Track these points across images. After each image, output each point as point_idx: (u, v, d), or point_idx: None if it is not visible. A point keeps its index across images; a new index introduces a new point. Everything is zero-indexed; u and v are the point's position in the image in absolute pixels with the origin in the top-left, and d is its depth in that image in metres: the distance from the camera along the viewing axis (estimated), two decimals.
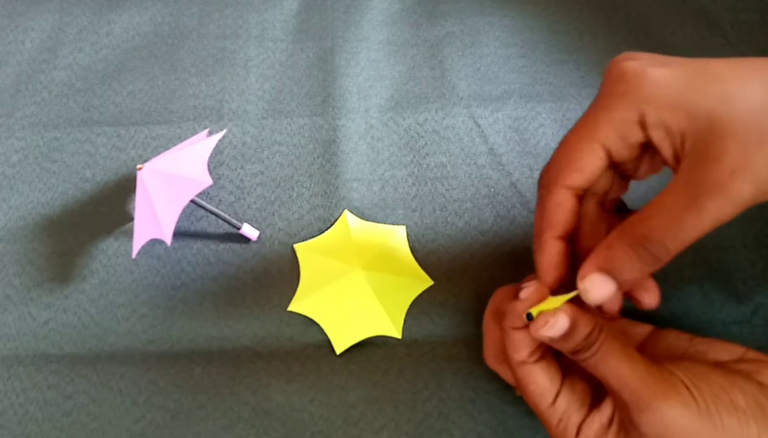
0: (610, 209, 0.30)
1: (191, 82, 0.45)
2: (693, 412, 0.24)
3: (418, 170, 0.41)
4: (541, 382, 0.28)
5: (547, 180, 0.28)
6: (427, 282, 0.37)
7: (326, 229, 0.39)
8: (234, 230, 0.38)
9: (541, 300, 0.27)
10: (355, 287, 0.36)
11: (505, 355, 0.29)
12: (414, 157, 0.41)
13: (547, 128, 0.42)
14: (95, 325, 0.36)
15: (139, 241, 0.36)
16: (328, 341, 0.35)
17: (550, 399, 0.27)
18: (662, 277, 0.28)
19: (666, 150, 0.25)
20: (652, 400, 0.24)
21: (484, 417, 0.34)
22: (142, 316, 0.37)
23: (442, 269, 0.37)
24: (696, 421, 0.24)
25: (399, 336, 0.35)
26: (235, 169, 0.41)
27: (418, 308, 0.36)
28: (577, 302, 0.27)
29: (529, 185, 0.40)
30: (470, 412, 0.34)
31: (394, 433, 0.33)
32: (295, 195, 0.40)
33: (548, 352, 0.28)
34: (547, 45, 0.45)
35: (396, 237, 0.38)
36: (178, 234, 0.39)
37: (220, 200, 0.40)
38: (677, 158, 0.25)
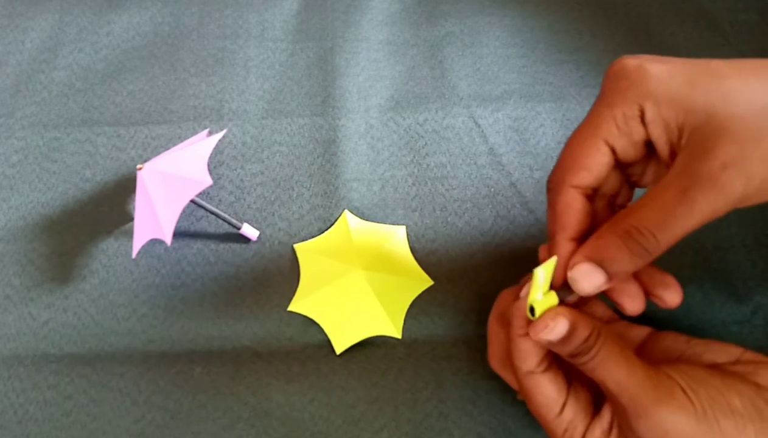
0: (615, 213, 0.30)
1: (191, 82, 0.45)
2: (690, 417, 0.24)
3: (418, 170, 0.41)
4: (548, 393, 0.27)
5: (554, 183, 0.28)
6: (427, 282, 0.37)
7: (326, 229, 0.39)
8: (234, 230, 0.38)
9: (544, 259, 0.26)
10: (355, 287, 0.36)
11: (510, 360, 0.29)
12: (414, 157, 0.41)
13: (547, 128, 0.42)
14: (95, 325, 0.36)
15: (139, 241, 0.36)
16: (328, 341, 0.35)
17: (557, 409, 0.27)
18: None
19: (662, 146, 0.25)
20: (650, 405, 0.24)
21: (484, 417, 0.34)
22: (142, 316, 0.37)
23: (442, 269, 0.37)
24: (694, 425, 0.24)
25: (399, 336, 0.35)
26: (235, 169, 0.41)
27: (418, 308, 0.36)
28: (576, 305, 0.27)
29: (529, 185, 0.40)
30: (470, 412, 0.34)
31: (394, 433, 0.33)
32: (295, 195, 0.40)
33: (554, 361, 0.28)
34: (547, 45, 0.45)
35: (396, 237, 0.38)
36: (178, 234, 0.39)
37: (220, 200, 0.40)
38: (673, 154, 0.25)
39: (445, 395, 0.34)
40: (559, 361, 0.28)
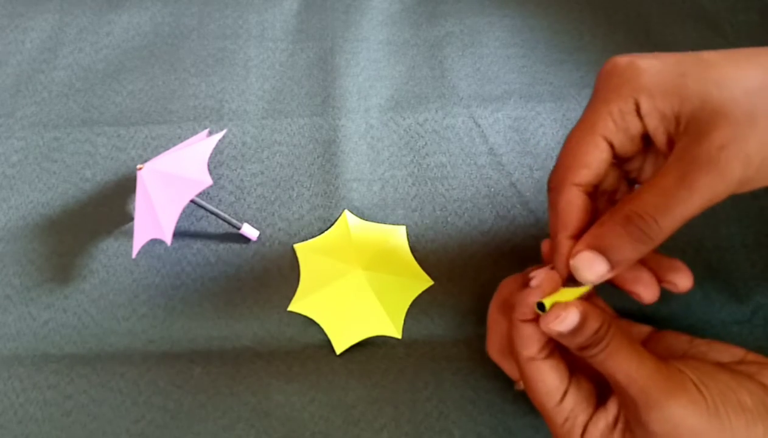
0: None
1: (191, 82, 0.45)
2: (702, 411, 0.24)
3: (418, 170, 0.41)
4: (549, 380, 0.27)
5: (555, 182, 0.28)
6: (427, 282, 0.37)
7: (326, 229, 0.39)
8: (234, 230, 0.38)
9: (554, 289, 0.26)
10: (355, 287, 0.36)
11: (510, 348, 0.28)
12: (414, 157, 0.41)
13: (547, 128, 0.42)
14: (95, 325, 0.36)
15: (139, 241, 0.36)
16: (328, 341, 0.35)
17: (557, 397, 0.27)
18: None
19: (660, 137, 0.25)
20: (662, 397, 0.24)
21: (484, 417, 0.34)
22: (142, 316, 0.37)
23: (442, 269, 0.37)
24: (705, 420, 0.24)
25: (399, 336, 0.35)
26: (235, 169, 0.41)
27: (418, 308, 0.36)
28: (587, 297, 0.27)
29: (529, 185, 0.40)
30: (470, 412, 0.34)
31: (394, 433, 0.33)
32: (295, 195, 0.40)
33: (557, 348, 0.28)
34: (547, 45, 0.45)
35: (396, 237, 0.38)
36: (178, 234, 0.39)
37: (220, 200, 0.40)
38: (671, 145, 0.25)
39: (445, 395, 0.34)
40: (562, 352, 0.28)
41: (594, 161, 0.27)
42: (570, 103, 0.43)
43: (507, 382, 0.32)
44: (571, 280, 0.27)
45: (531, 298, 0.27)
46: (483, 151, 0.41)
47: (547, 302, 0.26)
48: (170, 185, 0.35)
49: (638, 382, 0.24)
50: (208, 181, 0.35)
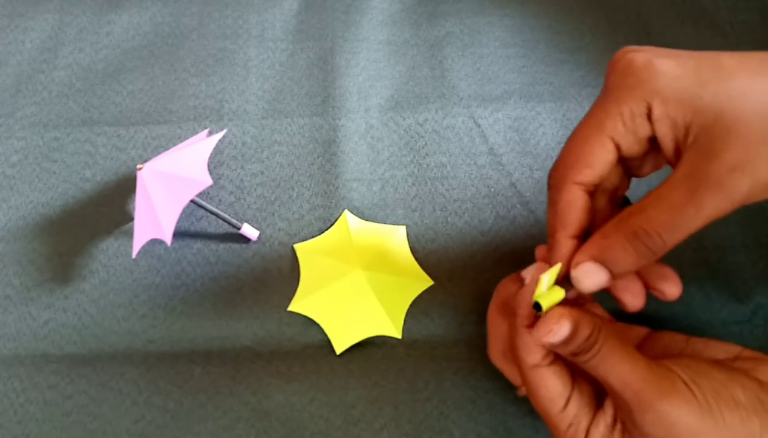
0: (615, 206, 0.30)
1: (191, 82, 0.45)
2: (695, 410, 0.24)
3: (418, 170, 0.41)
4: (552, 387, 0.27)
5: (556, 179, 0.28)
6: (427, 282, 0.37)
7: (326, 229, 0.39)
8: (234, 230, 0.38)
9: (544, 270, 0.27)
10: (355, 287, 0.36)
11: (512, 352, 0.28)
12: (414, 157, 0.41)
13: (547, 128, 0.42)
14: (95, 325, 0.36)
15: (139, 241, 0.36)
16: (328, 341, 0.35)
17: (561, 404, 0.27)
18: None
19: (668, 144, 0.25)
20: (654, 399, 0.24)
21: (484, 417, 0.34)
22: (142, 316, 0.37)
23: (442, 269, 0.37)
24: (698, 418, 0.24)
25: (399, 336, 0.35)
26: (235, 169, 0.41)
27: (418, 308, 0.36)
28: (581, 303, 0.27)
29: (529, 185, 0.40)
30: (470, 412, 0.34)
31: (394, 433, 0.33)
32: (295, 195, 0.40)
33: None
34: (547, 45, 0.45)
35: (396, 237, 0.38)
36: (178, 234, 0.39)
37: (220, 200, 0.40)
38: (678, 153, 0.25)
39: (445, 395, 0.34)
40: (563, 357, 0.28)
41: (599, 161, 0.27)
42: (570, 103, 0.43)
43: (507, 382, 0.32)
44: (566, 280, 0.27)
45: (527, 297, 0.27)
46: (483, 151, 0.41)
47: (543, 302, 0.26)
48: (170, 185, 0.35)
49: (631, 385, 0.24)
50: (208, 181, 0.35)
